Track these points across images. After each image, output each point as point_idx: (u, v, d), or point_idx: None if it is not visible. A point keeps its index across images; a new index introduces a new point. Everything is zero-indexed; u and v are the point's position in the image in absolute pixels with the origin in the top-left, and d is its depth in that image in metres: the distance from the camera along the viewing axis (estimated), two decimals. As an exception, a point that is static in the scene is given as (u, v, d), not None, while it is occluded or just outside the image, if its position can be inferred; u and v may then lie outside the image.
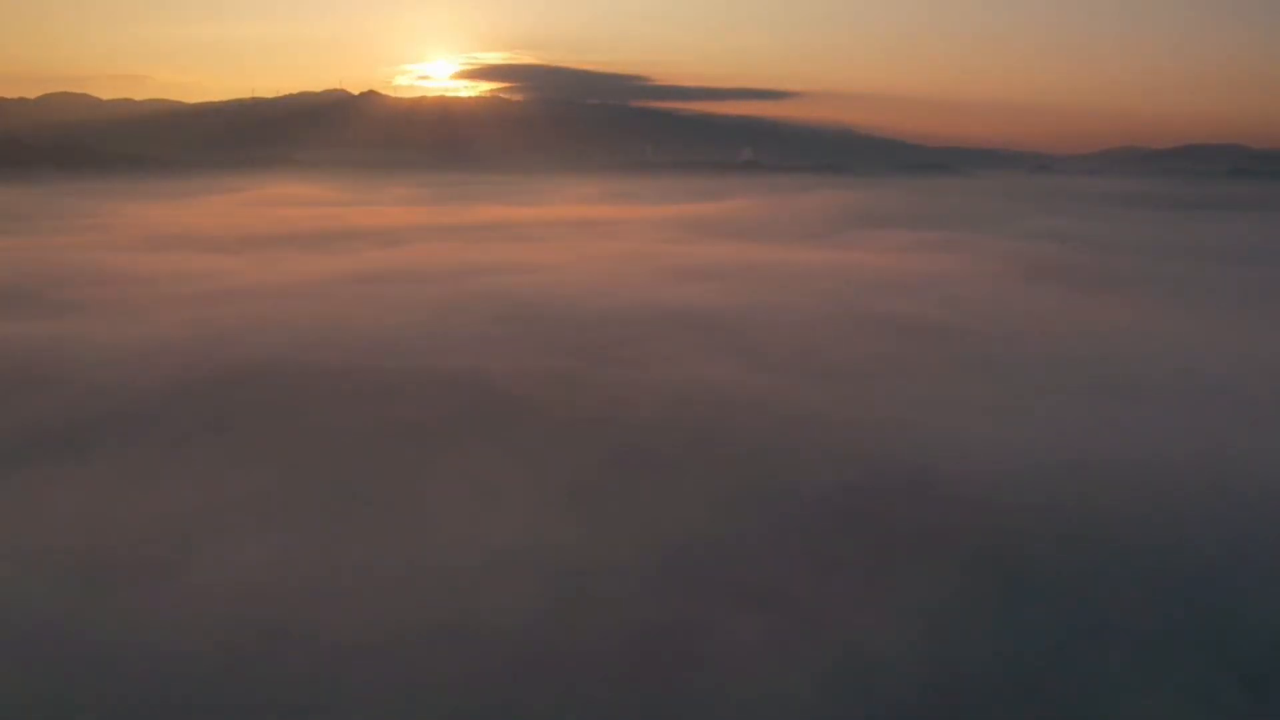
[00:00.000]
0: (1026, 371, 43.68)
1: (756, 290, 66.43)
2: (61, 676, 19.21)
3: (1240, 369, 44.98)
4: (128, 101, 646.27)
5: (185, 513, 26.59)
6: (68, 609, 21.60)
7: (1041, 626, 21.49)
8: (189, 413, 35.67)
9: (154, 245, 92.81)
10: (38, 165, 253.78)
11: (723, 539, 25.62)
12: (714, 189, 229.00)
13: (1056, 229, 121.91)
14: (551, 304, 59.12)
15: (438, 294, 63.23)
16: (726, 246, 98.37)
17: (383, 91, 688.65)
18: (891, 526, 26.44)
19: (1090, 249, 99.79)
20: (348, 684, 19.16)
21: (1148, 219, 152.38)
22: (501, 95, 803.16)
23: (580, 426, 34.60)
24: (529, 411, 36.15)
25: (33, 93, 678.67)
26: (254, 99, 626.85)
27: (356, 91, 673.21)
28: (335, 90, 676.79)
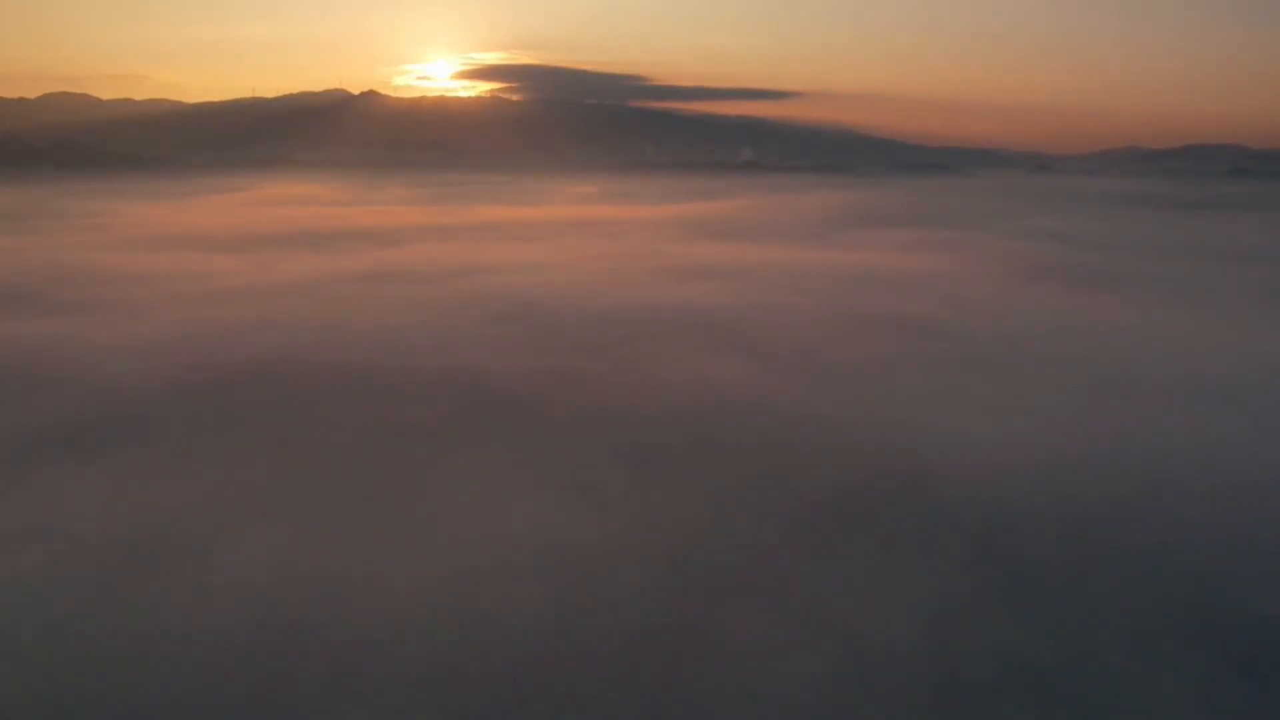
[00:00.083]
0: (1026, 371, 43.70)
1: (756, 290, 66.47)
2: (84, 664, 19.37)
3: (1240, 369, 45.01)
4: (128, 101, 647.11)
5: (196, 510, 26.69)
6: (92, 599, 21.85)
7: (1040, 621, 21.54)
8: (194, 411, 35.79)
9: (154, 245, 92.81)
10: (38, 165, 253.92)
11: (725, 535, 25.67)
12: (714, 189, 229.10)
13: (1056, 229, 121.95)
14: (551, 304, 59.15)
15: (438, 294, 63.28)
16: (726, 246, 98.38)
17: (383, 91, 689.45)
18: (891, 523, 26.49)
19: (1090, 249, 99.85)
20: (358, 678, 19.19)
21: (1148, 219, 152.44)
22: (501, 95, 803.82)
23: (582, 425, 34.65)
24: (530, 410, 36.20)
25: (33, 93, 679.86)
26: (254, 99, 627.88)
27: (356, 91, 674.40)
28: (335, 90, 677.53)
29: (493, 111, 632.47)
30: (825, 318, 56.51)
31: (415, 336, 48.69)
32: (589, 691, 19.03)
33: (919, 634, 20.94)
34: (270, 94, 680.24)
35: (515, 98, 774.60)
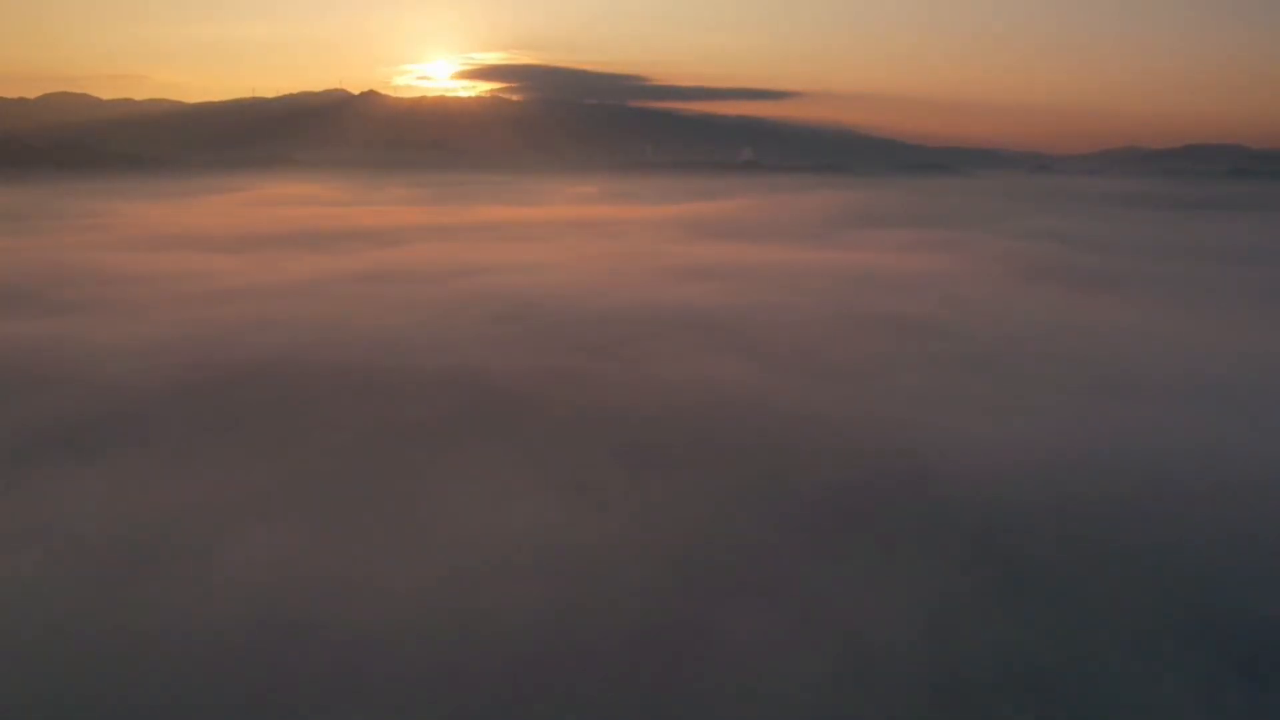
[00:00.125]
0: (1026, 370, 43.70)
1: (756, 290, 66.48)
2: (84, 664, 19.41)
3: (1239, 369, 45.02)
4: (128, 101, 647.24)
5: (196, 510, 26.72)
6: (92, 599, 21.91)
7: (1040, 622, 21.54)
8: (194, 411, 35.83)
9: (154, 245, 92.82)
10: (38, 165, 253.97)
11: (725, 535, 25.69)
12: (714, 189, 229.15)
13: (1056, 229, 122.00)
14: (551, 304, 59.17)
15: (438, 294, 63.30)
16: (726, 246, 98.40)
17: (383, 91, 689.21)
18: (891, 523, 26.49)
19: (1090, 249, 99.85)
20: (358, 678, 19.19)
21: (1148, 219, 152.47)
22: (501, 95, 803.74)
23: (581, 424, 34.67)
24: (530, 410, 36.23)
25: (33, 93, 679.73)
26: (254, 99, 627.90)
27: (356, 91, 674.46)
28: (335, 90, 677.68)
29: (493, 111, 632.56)
30: (825, 318, 56.53)
31: (415, 336, 48.72)
32: (589, 691, 19.03)
33: (919, 634, 20.94)
34: (270, 94, 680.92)
35: (515, 98, 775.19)
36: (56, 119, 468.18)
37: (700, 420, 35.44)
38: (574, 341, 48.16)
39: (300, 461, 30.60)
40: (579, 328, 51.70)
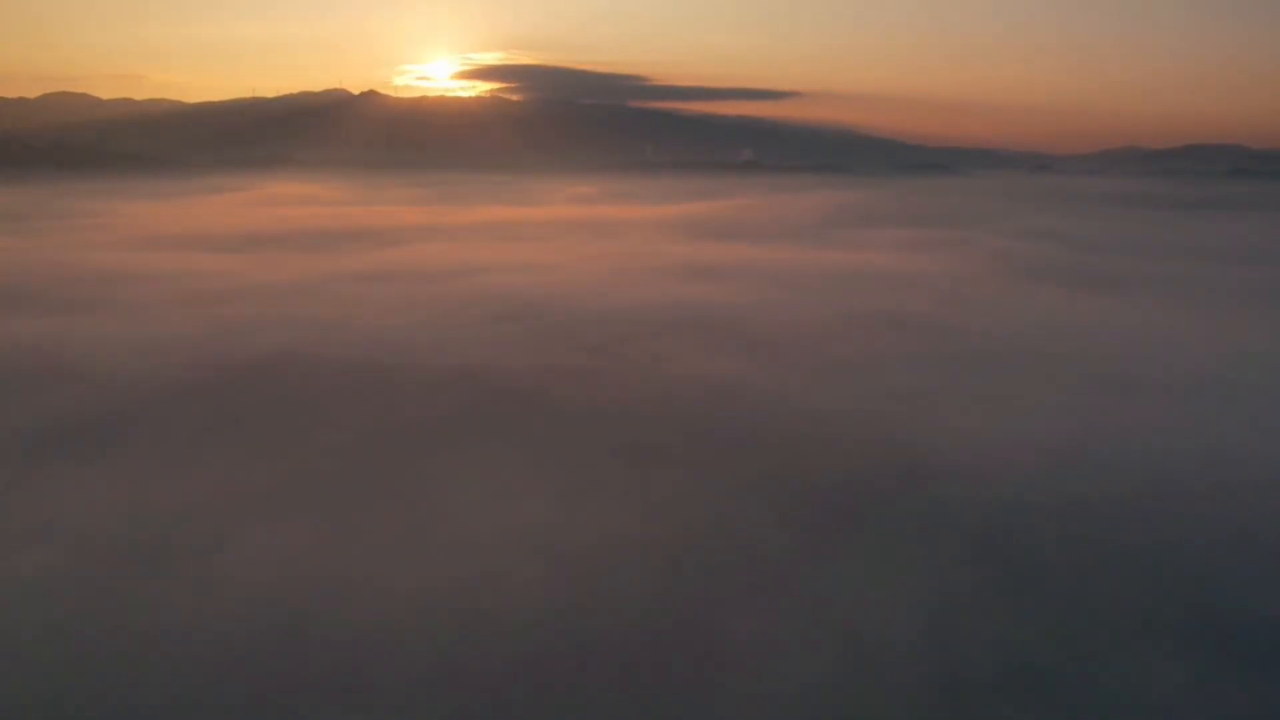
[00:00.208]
0: (1025, 369, 43.79)
1: (756, 289, 66.55)
2: (89, 662, 19.54)
3: (1239, 368, 45.08)
4: (127, 101, 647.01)
5: (202, 508, 26.87)
6: (98, 597, 22.08)
7: (1039, 619, 21.66)
8: (199, 410, 36.00)
9: (155, 245, 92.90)
10: (38, 165, 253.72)
11: (726, 533, 25.83)
12: (714, 189, 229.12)
13: (1056, 229, 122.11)
14: (552, 303, 59.23)
15: (439, 293, 63.37)
16: (726, 246, 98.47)
17: (383, 91, 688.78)
18: (891, 521, 26.63)
19: (1089, 248, 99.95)
20: (359, 677, 19.27)
21: (1147, 219, 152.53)
22: (501, 95, 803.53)
23: (583, 422, 34.84)
24: (532, 408, 36.42)
25: (33, 93, 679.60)
26: (254, 99, 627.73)
27: (356, 91, 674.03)
28: (335, 90, 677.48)
29: (493, 111, 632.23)
30: (825, 317, 56.60)
31: (416, 336, 48.79)
32: (590, 690, 19.11)
33: (918, 629, 21.07)
34: (270, 94, 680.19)
35: (515, 98, 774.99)
36: (56, 119, 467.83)
37: (701, 418, 35.59)
38: (574, 341, 48.26)
39: (303, 460, 30.72)
40: (579, 327, 51.79)
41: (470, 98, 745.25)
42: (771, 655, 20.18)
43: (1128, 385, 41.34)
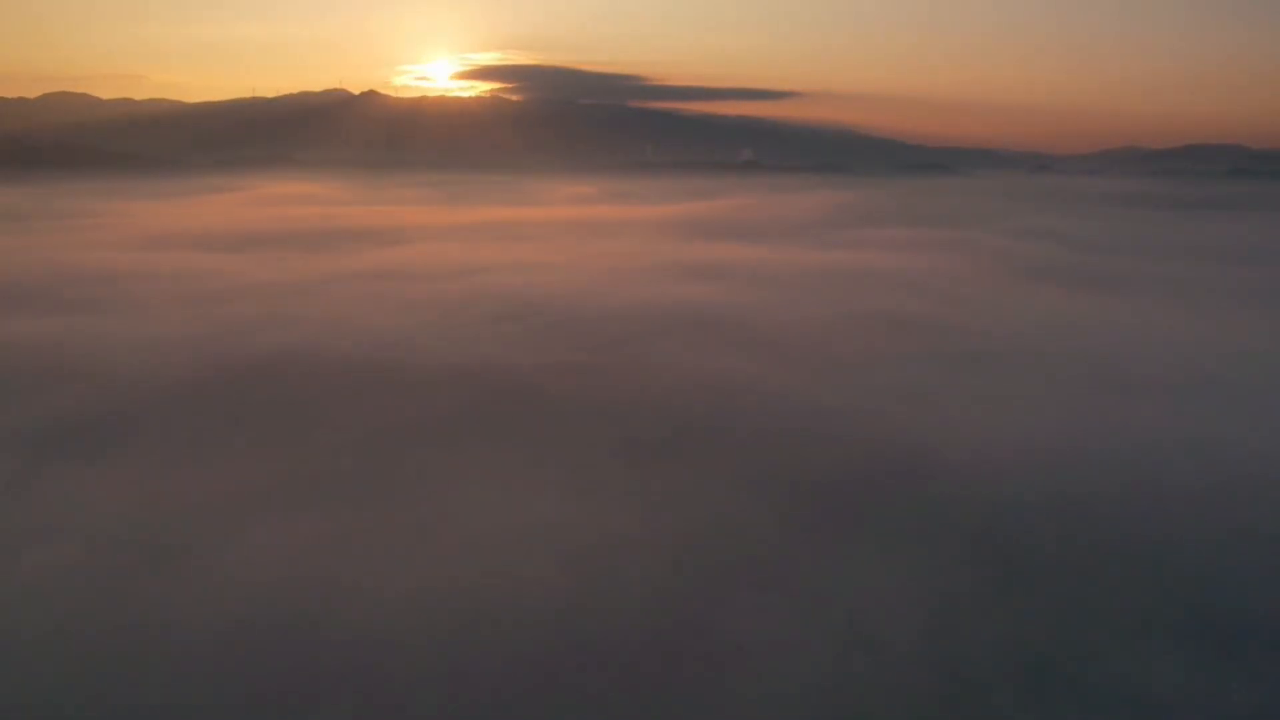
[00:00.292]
0: (1025, 368, 43.97)
1: (757, 289, 66.63)
2: (97, 658, 19.76)
3: (1238, 368, 45.17)
4: (127, 101, 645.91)
5: (208, 506, 27.10)
6: (109, 593, 22.31)
7: (1039, 616, 21.82)
8: (205, 408, 36.26)
9: (156, 244, 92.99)
10: (38, 165, 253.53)
11: (728, 530, 26.06)
12: (714, 189, 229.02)
13: (1056, 228, 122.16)
14: (553, 303, 59.33)
15: (440, 293, 63.47)
16: (727, 246, 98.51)
17: (383, 91, 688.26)
18: (892, 517, 26.84)
19: (1089, 248, 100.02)
20: (362, 675, 19.35)
21: (1147, 219, 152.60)
22: (501, 95, 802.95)
23: (586, 421, 35.04)
24: (535, 406, 36.70)
25: (33, 93, 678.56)
26: (254, 99, 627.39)
27: (356, 91, 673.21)
28: (335, 90, 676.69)
29: (493, 111, 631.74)
30: (826, 317, 56.69)
31: (417, 336, 48.93)
32: (593, 686, 19.21)
33: (919, 626, 21.26)
34: (270, 94, 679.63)
35: (515, 98, 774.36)
36: (56, 119, 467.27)
37: (703, 416, 35.82)
38: (575, 340, 48.38)
39: (306, 459, 30.95)
40: (580, 326, 51.90)
41: (470, 98, 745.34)
42: (773, 653, 20.31)
43: (1127, 384, 41.46)
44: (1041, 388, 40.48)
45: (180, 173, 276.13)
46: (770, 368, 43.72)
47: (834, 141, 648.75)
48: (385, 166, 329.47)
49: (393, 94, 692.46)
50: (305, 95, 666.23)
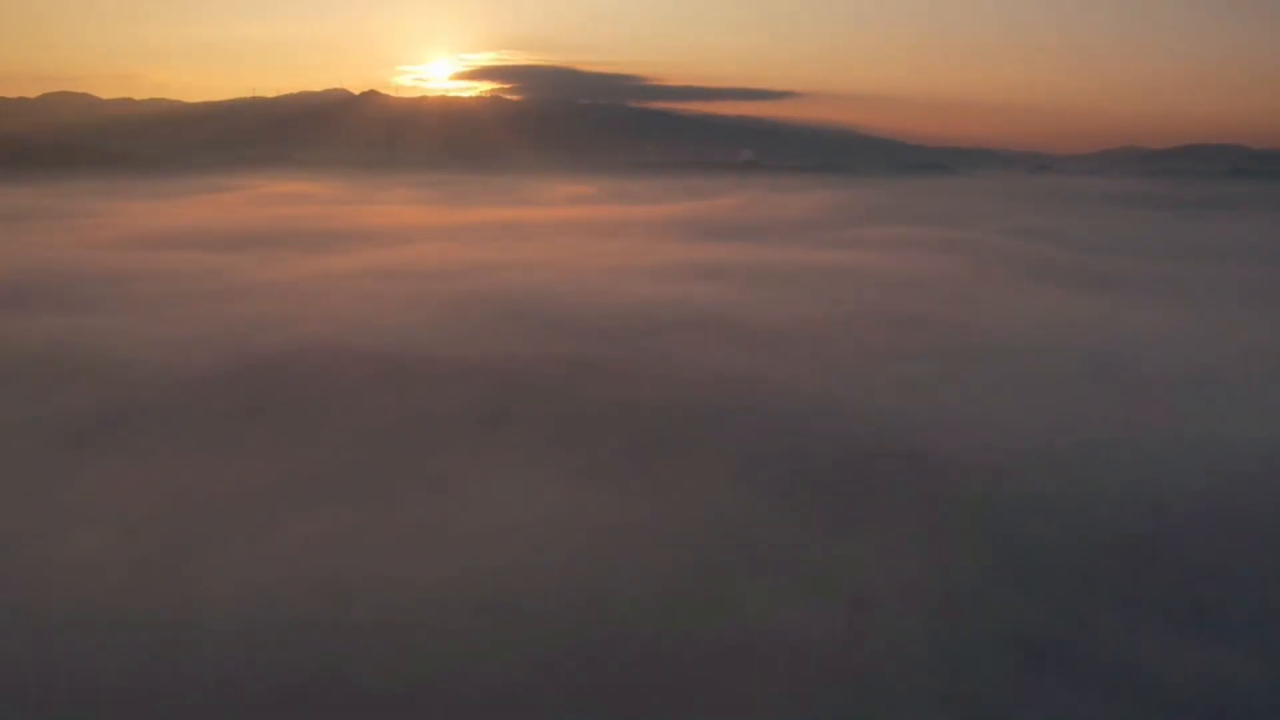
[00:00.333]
0: (1025, 365, 44.27)
1: (758, 288, 66.82)
2: (150, 631, 20.49)
3: (1238, 366, 45.38)
4: (128, 101, 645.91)
5: (238, 492, 27.86)
6: (158, 569, 23.11)
7: (1040, 604, 22.13)
8: (224, 401, 36.78)
9: (158, 243, 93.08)
10: (38, 165, 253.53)
11: (738, 519, 26.60)
12: (714, 189, 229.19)
13: (1056, 228, 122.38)
14: (556, 301, 59.58)
15: (443, 291, 63.65)
16: (727, 246, 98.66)
17: (383, 91, 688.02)
18: (895, 512, 27.21)
19: (1089, 248, 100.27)
20: (367, 673, 19.58)
21: (1147, 219, 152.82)
22: (501, 95, 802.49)
23: (598, 414, 35.53)
24: (546, 401, 37.19)
25: (33, 92, 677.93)
26: (254, 99, 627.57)
27: (356, 91, 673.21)
28: (335, 90, 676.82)
29: (493, 111, 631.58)
30: (826, 314, 56.94)
31: (424, 333, 49.22)
32: (608, 672, 19.54)
33: (926, 608, 21.83)
34: (270, 94, 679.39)
35: (515, 98, 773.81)
36: (56, 119, 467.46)
37: (710, 410, 36.33)
38: (580, 337, 48.68)
39: (325, 451, 31.52)
40: (584, 324, 52.16)
41: (470, 98, 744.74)
42: (785, 639, 20.70)
43: (1127, 382, 41.75)
44: (1042, 384, 40.75)
45: (180, 172, 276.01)
46: (773, 365, 43.97)
47: (834, 141, 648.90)
48: (385, 166, 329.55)
49: (393, 94, 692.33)
50: (305, 95, 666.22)
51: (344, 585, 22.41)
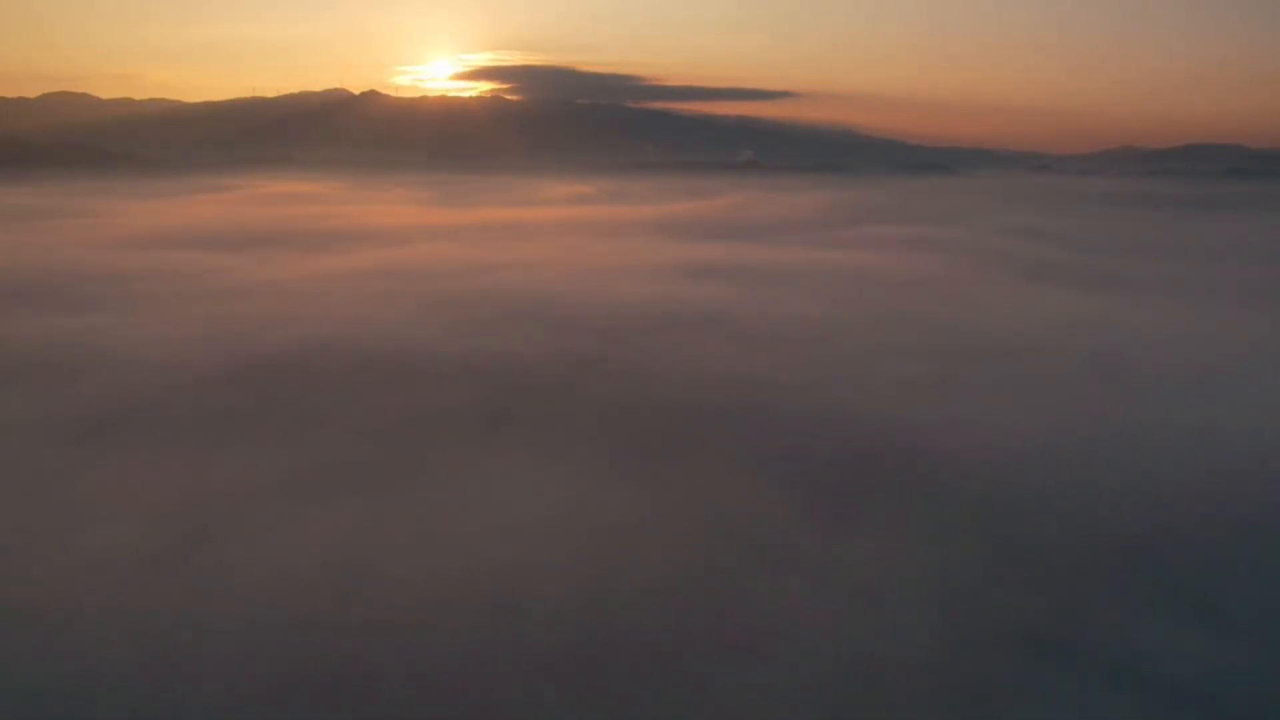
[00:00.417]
0: (1025, 364, 44.37)
1: (758, 287, 66.89)
2: (168, 623, 20.78)
3: (1237, 365, 45.46)
4: (128, 101, 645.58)
5: (248, 488, 28.14)
6: (173, 564, 23.45)
7: (1040, 597, 22.27)
8: (231, 400, 37.02)
9: (159, 244, 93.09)
10: (38, 165, 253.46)
11: (744, 506, 27.06)
12: (714, 188, 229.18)
13: (1055, 228, 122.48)
14: (557, 301, 59.63)
15: (444, 291, 63.72)
16: (727, 245, 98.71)
17: (383, 91, 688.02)
18: (896, 507, 27.40)
19: (1088, 247, 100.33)
20: (370, 672, 19.68)
21: (1147, 218, 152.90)
22: (500, 95, 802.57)
23: (601, 412, 35.71)
24: (549, 400, 37.39)
25: (33, 92, 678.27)
26: (254, 99, 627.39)
27: (356, 91, 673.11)
28: (335, 90, 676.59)
29: (492, 111, 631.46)
30: (827, 314, 57.02)
31: (427, 332, 49.38)
32: (614, 667, 19.63)
33: (928, 601, 22.04)
34: (270, 94, 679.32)
35: (515, 98, 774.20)
36: (56, 119, 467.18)
37: (710, 409, 36.41)
38: (582, 336, 48.81)
39: (333, 448, 31.76)
40: (585, 323, 52.26)
41: (470, 98, 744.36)
42: (791, 633, 20.82)
43: (1127, 380, 41.80)
44: (1042, 384, 40.81)
45: (180, 172, 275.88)
46: (772, 364, 44.06)
47: (834, 141, 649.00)
48: (385, 166, 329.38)
49: (392, 94, 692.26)
50: (305, 95, 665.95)
51: (345, 584, 22.49)
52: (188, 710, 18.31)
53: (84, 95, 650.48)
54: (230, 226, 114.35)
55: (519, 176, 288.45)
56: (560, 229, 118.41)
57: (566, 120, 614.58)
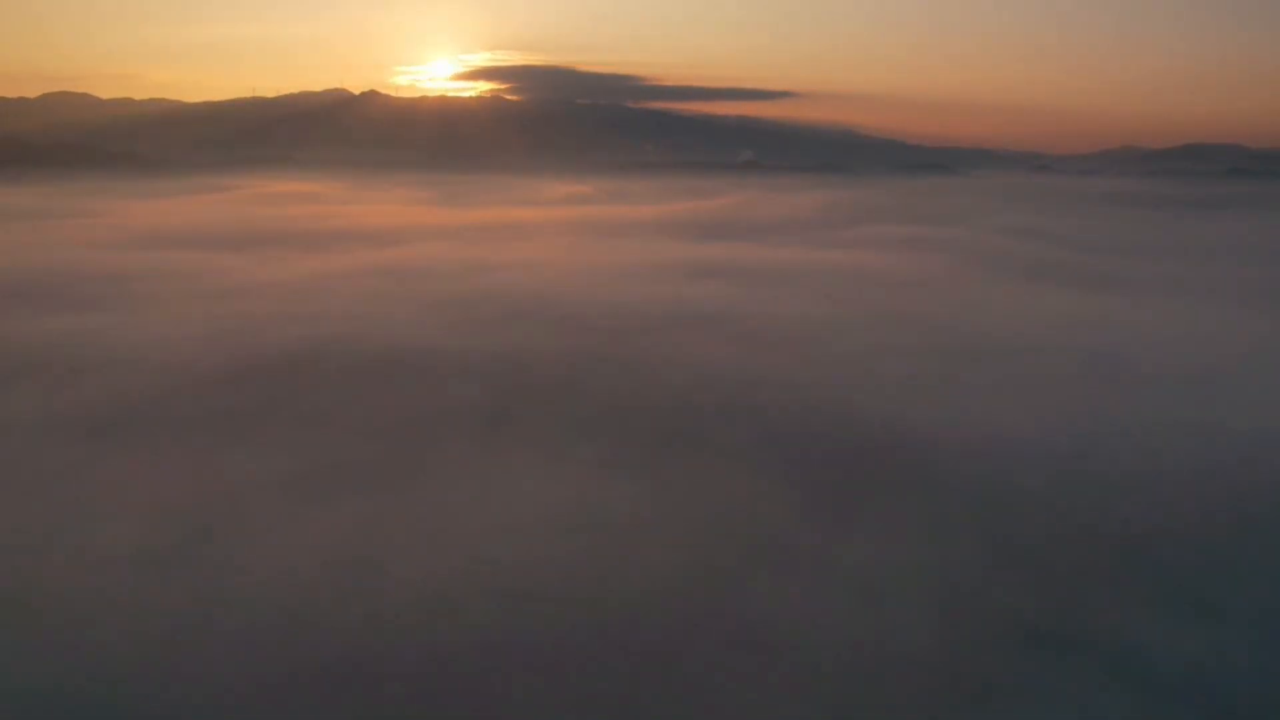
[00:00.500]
0: (1025, 363, 44.44)
1: (758, 287, 66.93)
2: (177, 620, 20.92)
3: (1237, 365, 45.49)
4: (127, 101, 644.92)
5: (254, 486, 28.31)
6: (181, 561, 23.53)
7: (1040, 593, 22.34)
8: (236, 398, 37.13)
9: (159, 244, 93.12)
10: (38, 165, 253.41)
11: (747, 502, 27.23)
12: (714, 189, 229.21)
13: (1055, 228, 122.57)
14: (558, 301, 59.70)
15: (444, 291, 63.81)
16: (727, 245, 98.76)
17: (383, 91, 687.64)
18: (895, 497, 27.68)
19: (1088, 247, 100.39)
20: (374, 669, 19.72)
21: (1147, 218, 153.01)
22: (500, 95, 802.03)
23: (604, 411, 35.83)
24: (551, 399, 37.44)
25: (33, 92, 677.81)
26: (254, 99, 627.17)
27: (356, 91, 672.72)
28: (335, 90, 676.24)
29: (492, 111, 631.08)
30: (827, 313, 57.07)
31: (429, 331, 49.53)
32: (616, 660, 19.68)
33: (928, 594, 22.19)
34: (270, 94, 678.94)
35: (514, 98, 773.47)
36: (56, 119, 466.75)
37: (711, 407, 36.51)
38: (583, 335, 48.90)
39: (338, 446, 31.95)
40: (587, 323, 52.34)
41: (470, 98, 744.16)
42: (791, 631, 20.89)
43: (1127, 380, 41.85)
44: (1042, 383, 40.85)
45: (181, 172, 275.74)
46: (773, 363, 44.09)
47: (833, 141, 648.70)
48: (385, 166, 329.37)
49: (392, 94, 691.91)
50: (305, 95, 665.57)
51: (346, 584, 22.54)
52: (190, 709, 18.34)
53: (84, 95, 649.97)
54: (230, 226, 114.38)
55: (519, 176, 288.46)
56: (560, 229, 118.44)
57: (566, 120, 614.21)
